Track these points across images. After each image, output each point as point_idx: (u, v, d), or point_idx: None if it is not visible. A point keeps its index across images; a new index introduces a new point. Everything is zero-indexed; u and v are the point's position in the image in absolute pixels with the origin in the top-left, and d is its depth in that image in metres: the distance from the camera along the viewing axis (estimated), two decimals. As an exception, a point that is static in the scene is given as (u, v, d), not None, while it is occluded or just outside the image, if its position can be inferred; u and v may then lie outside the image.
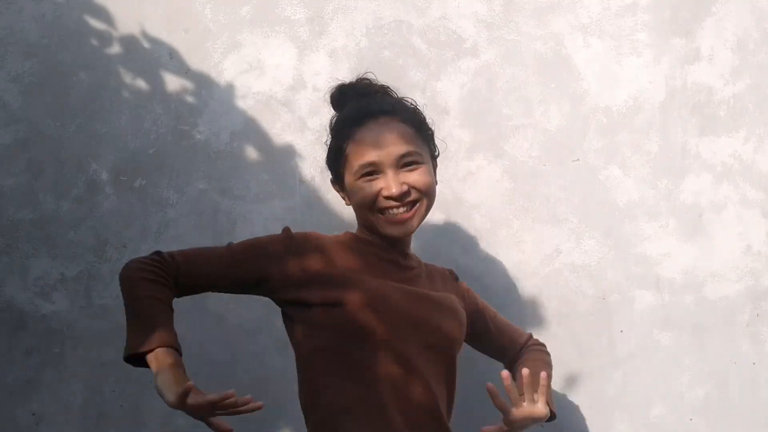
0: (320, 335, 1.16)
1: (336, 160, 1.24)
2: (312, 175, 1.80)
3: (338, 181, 1.27)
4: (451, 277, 1.40)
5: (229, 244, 1.25)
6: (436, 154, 1.34)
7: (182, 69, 1.80)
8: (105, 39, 1.79)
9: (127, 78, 1.79)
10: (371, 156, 1.16)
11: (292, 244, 1.21)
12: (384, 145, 1.16)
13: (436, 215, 1.80)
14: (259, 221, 1.79)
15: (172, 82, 1.80)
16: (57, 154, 1.76)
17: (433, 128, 1.31)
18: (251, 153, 1.82)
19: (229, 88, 1.82)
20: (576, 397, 1.86)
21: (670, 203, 1.88)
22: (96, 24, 1.79)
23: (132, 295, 1.13)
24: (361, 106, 1.22)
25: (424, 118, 1.29)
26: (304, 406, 1.20)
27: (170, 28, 1.80)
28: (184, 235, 1.78)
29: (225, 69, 1.81)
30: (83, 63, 1.77)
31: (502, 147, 1.86)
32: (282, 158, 1.81)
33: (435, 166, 1.32)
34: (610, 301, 1.86)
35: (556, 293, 1.85)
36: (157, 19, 1.80)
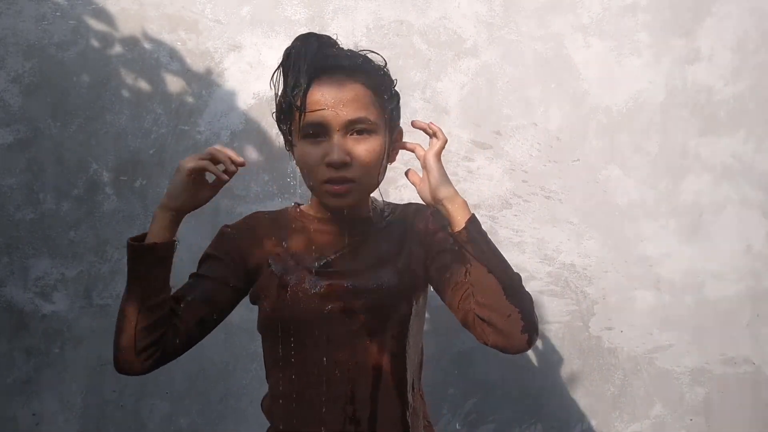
0: (259, 325, 1.18)
1: (285, 115, 1.12)
2: (312, 175, 1.81)
3: (288, 138, 1.15)
4: (415, 222, 1.21)
5: (191, 275, 1.20)
6: (398, 126, 1.20)
7: (182, 69, 1.80)
8: (105, 39, 1.79)
9: (128, 78, 1.79)
10: (318, 116, 1.05)
11: (223, 244, 1.18)
12: (334, 106, 1.05)
13: (436, 215, 1.80)
14: (259, 221, 1.79)
15: (173, 83, 1.80)
16: (57, 154, 1.76)
17: (399, 94, 1.19)
18: (251, 153, 1.82)
19: (230, 89, 1.82)
20: (576, 397, 1.86)
21: (670, 203, 1.88)
22: (96, 24, 1.79)
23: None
24: (318, 59, 1.08)
25: (390, 82, 1.15)
26: None
27: (170, 28, 1.80)
28: (184, 235, 1.77)
29: (225, 69, 1.81)
30: (83, 63, 1.77)
31: (502, 147, 1.86)
32: (282, 158, 1.81)
33: (395, 136, 1.19)
34: (610, 301, 1.86)
35: (556, 293, 1.85)
36: (157, 19, 1.80)
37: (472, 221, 1.06)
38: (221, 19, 1.82)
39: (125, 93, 1.79)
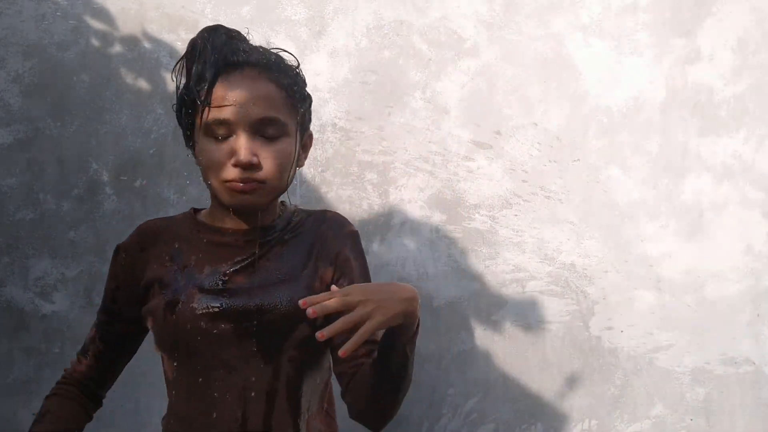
0: (153, 337, 1.09)
1: (186, 111, 1.04)
2: (312, 175, 1.80)
3: (187, 133, 1.07)
4: (328, 235, 1.10)
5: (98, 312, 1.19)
6: (308, 129, 1.10)
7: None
8: (105, 39, 1.79)
9: (128, 78, 1.79)
10: (225, 113, 0.98)
11: (116, 269, 1.12)
12: (242, 103, 0.97)
13: (436, 215, 1.80)
14: (259, 221, 1.79)
15: (173, 82, 1.80)
16: (57, 154, 1.76)
17: (311, 97, 1.09)
18: (251, 153, 1.82)
19: (230, 88, 1.82)
20: (576, 397, 1.86)
21: (670, 203, 1.88)
22: (96, 24, 1.79)
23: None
24: (226, 52, 1.01)
25: (303, 83, 1.07)
26: None
27: (170, 27, 1.80)
28: (184, 235, 1.78)
29: (225, 69, 1.81)
30: (83, 63, 1.77)
31: (502, 147, 1.86)
32: (282, 158, 1.81)
33: (303, 144, 1.09)
34: (610, 301, 1.86)
35: (556, 293, 1.85)
36: (157, 19, 1.79)
37: (414, 337, 0.94)
38: (221, 19, 1.82)
39: (125, 93, 1.79)
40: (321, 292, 1.01)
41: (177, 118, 1.09)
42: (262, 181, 0.99)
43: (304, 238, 1.09)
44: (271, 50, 1.06)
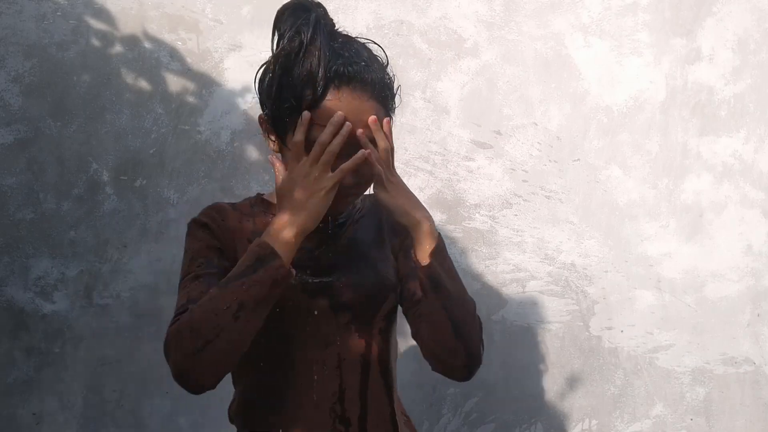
0: None
1: (291, 107, 0.98)
2: (312, 175, 1.80)
3: (277, 126, 1.02)
4: (387, 219, 1.15)
5: (187, 277, 1.07)
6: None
7: (183, 69, 1.80)
8: (106, 39, 1.79)
9: (128, 78, 1.79)
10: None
11: (206, 232, 1.07)
12: (354, 125, 0.96)
13: (436, 216, 1.80)
14: (259, 221, 1.79)
15: (173, 82, 1.80)
16: (57, 154, 1.76)
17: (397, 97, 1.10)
18: (252, 153, 1.82)
19: (230, 88, 1.82)
20: (576, 397, 1.86)
21: (670, 203, 1.88)
22: (97, 24, 1.78)
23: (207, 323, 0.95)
24: (341, 61, 0.97)
25: (393, 84, 1.08)
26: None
27: (171, 27, 1.80)
28: (184, 235, 1.78)
29: (226, 69, 1.81)
30: (83, 63, 1.77)
31: (502, 147, 1.86)
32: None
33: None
34: (610, 301, 1.86)
35: (556, 293, 1.85)
36: (157, 19, 1.79)
37: (437, 253, 1.00)
38: (221, 19, 1.82)
39: (125, 93, 1.79)
40: (393, 261, 1.12)
41: (265, 106, 1.03)
42: (356, 195, 1.05)
43: (370, 218, 1.15)
44: (366, 50, 1.03)
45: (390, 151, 1.01)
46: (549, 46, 1.88)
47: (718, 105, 1.90)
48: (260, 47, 1.83)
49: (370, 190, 1.14)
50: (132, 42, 1.79)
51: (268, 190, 1.80)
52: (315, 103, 0.96)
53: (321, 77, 0.96)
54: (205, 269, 1.05)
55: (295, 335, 1.04)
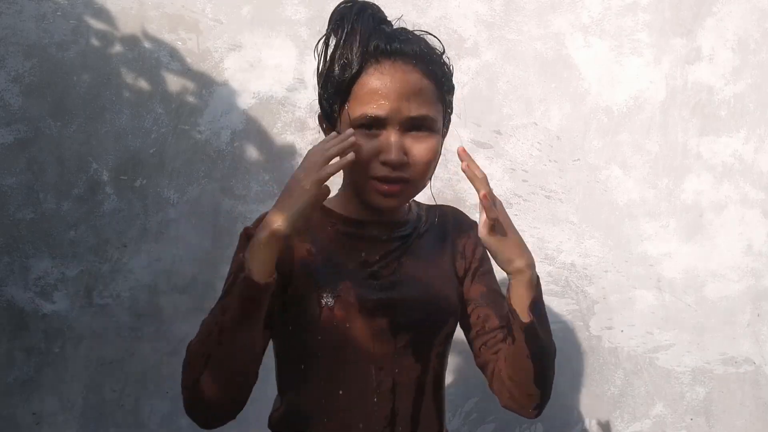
0: (286, 337, 1.02)
1: (334, 94, 0.97)
2: (312, 175, 1.80)
3: (329, 120, 1.01)
4: (454, 229, 1.12)
5: (227, 282, 1.02)
6: (448, 120, 1.06)
7: (183, 69, 1.80)
8: (106, 39, 1.79)
9: (128, 78, 1.79)
10: (378, 109, 0.93)
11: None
12: (396, 99, 0.92)
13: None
14: (259, 221, 1.79)
15: (173, 82, 1.80)
16: (57, 154, 1.76)
17: (455, 85, 1.05)
18: (252, 153, 1.82)
19: (230, 88, 1.82)
20: (576, 397, 1.86)
21: (670, 203, 1.88)
22: (96, 24, 1.78)
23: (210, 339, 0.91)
24: (380, 38, 0.95)
25: (451, 73, 1.02)
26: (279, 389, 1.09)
27: (171, 27, 1.80)
28: (184, 235, 1.78)
29: (226, 69, 1.81)
30: (83, 63, 1.77)
31: (502, 147, 1.86)
32: (282, 158, 1.81)
33: (444, 136, 1.07)
34: (610, 301, 1.86)
35: (556, 293, 1.85)
36: (157, 19, 1.79)
37: (535, 305, 0.97)
38: (221, 19, 1.82)
39: (125, 93, 1.78)
40: (456, 284, 1.06)
41: (319, 100, 1.02)
42: (407, 180, 0.96)
43: (435, 233, 1.09)
44: (417, 33, 1.01)
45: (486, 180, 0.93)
46: (549, 46, 1.88)
47: (718, 105, 1.90)
48: (260, 47, 1.83)
49: (426, 199, 1.12)
50: (132, 42, 1.79)
51: (267, 189, 1.81)
52: (354, 79, 0.94)
53: (358, 54, 0.94)
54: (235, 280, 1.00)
55: (349, 355, 0.98)
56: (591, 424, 1.86)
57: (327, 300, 0.97)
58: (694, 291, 1.87)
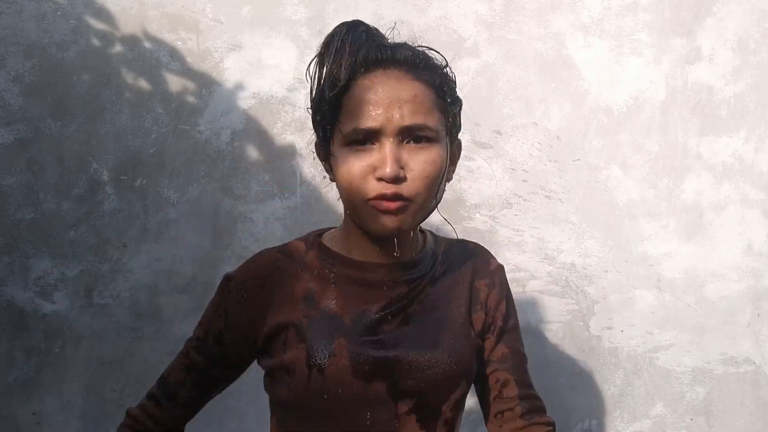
0: (277, 397, 0.95)
1: (324, 114, 0.88)
2: (312, 175, 1.80)
3: (323, 144, 0.92)
4: (477, 274, 0.99)
5: (189, 340, 0.98)
6: (457, 133, 0.95)
7: (183, 69, 1.80)
8: (106, 39, 1.79)
9: (128, 78, 1.79)
10: (369, 120, 0.83)
11: (228, 303, 0.93)
12: (389, 108, 0.82)
13: (436, 215, 1.80)
14: (259, 221, 1.79)
15: (173, 82, 1.80)
16: (57, 154, 1.76)
17: (462, 100, 0.95)
18: (252, 153, 1.82)
19: (230, 88, 1.82)
20: (576, 397, 1.86)
21: (670, 203, 1.88)
22: (97, 24, 1.78)
23: None
24: (369, 49, 0.88)
25: (454, 83, 0.93)
26: None
27: (171, 27, 1.80)
28: (184, 235, 1.78)
29: (226, 69, 1.81)
30: (83, 62, 1.77)
31: (502, 147, 1.86)
32: (282, 158, 1.81)
33: (453, 149, 0.95)
34: (610, 301, 1.86)
35: (556, 293, 1.85)
36: (157, 18, 1.79)
37: None
38: (221, 19, 1.82)
39: (125, 92, 1.79)
40: (474, 340, 0.93)
41: (313, 126, 0.93)
42: (408, 198, 0.84)
43: (453, 277, 0.96)
44: (416, 48, 0.93)
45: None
46: (549, 46, 1.88)
47: (718, 105, 1.90)
48: (260, 47, 1.83)
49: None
50: (132, 42, 1.79)
51: (267, 189, 1.81)
52: (343, 93, 0.86)
53: (346, 66, 0.86)
54: (194, 354, 0.97)
55: (343, 422, 0.87)
56: (591, 424, 1.86)
57: (316, 360, 0.86)
58: (694, 291, 1.87)
